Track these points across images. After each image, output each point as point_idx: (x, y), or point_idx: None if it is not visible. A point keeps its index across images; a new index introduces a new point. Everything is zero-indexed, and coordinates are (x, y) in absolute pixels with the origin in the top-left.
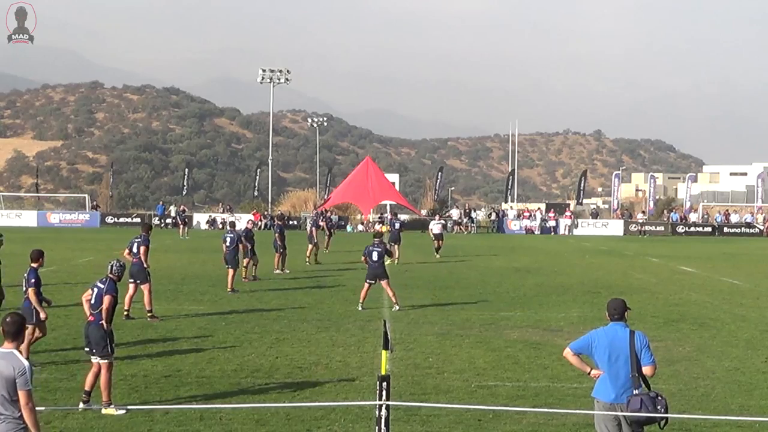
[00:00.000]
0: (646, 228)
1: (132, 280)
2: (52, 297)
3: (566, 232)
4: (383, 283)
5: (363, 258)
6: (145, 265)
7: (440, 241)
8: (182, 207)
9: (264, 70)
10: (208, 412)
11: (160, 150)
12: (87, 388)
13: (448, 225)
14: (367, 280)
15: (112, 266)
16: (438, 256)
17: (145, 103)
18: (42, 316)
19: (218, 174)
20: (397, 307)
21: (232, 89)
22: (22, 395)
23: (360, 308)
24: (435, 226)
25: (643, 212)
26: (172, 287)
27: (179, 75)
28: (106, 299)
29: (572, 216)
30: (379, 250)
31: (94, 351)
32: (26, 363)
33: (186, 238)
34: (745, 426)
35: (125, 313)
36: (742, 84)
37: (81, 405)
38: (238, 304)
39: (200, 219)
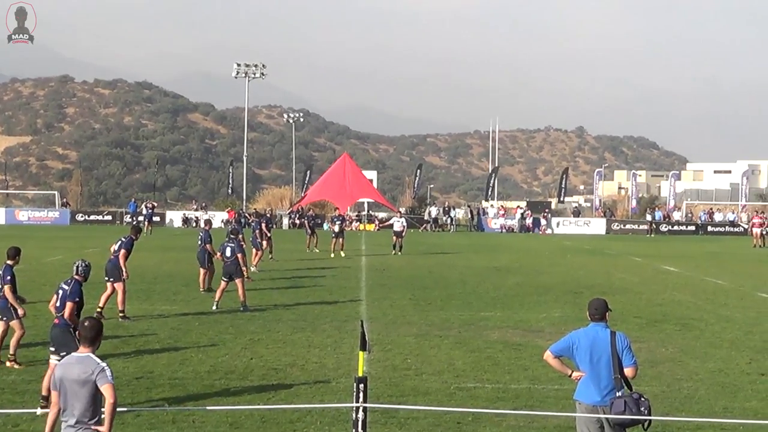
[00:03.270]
0: (629, 227)
1: (107, 278)
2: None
3: (541, 231)
4: (237, 281)
5: (218, 255)
6: (121, 266)
7: (400, 239)
8: (151, 204)
9: (239, 65)
10: (181, 415)
11: (132, 146)
12: (44, 392)
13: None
14: (223, 278)
15: (77, 267)
16: (396, 252)
17: (116, 97)
18: (20, 312)
19: (192, 171)
20: (243, 309)
21: (206, 84)
22: (106, 389)
23: (214, 308)
24: (397, 223)
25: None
26: (144, 287)
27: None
28: (68, 306)
29: (547, 216)
30: (233, 246)
31: (55, 351)
32: (103, 362)
33: (148, 234)
34: (729, 428)
35: (98, 310)
36: (727, 81)
37: (39, 410)
38: (209, 305)
39: (174, 217)
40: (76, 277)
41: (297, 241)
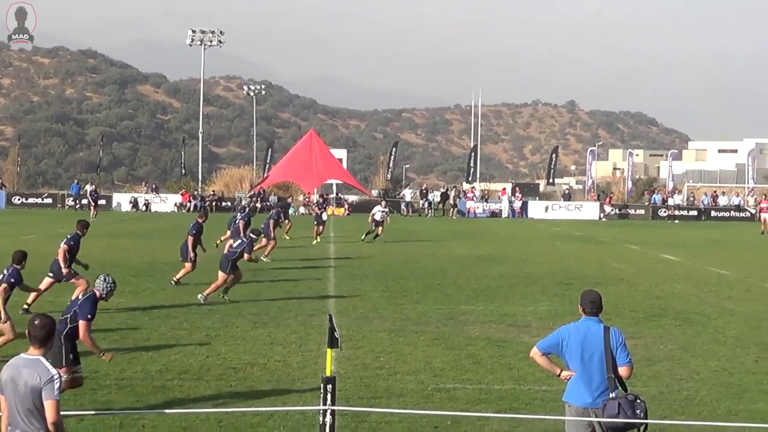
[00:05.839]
0: (614, 213)
1: (51, 273)
2: None
3: (516, 215)
4: (220, 274)
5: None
6: (60, 264)
7: (381, 228)
8: (93, 186)
9: (194, 31)
10: (129, 419)
11: (75, 121)
12: None
13: (402, 207)
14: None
15: (103, 284)
16: (367, 240)
17: (57, 67)
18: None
19: (141, 149)
20: (202, 301)
21: (157, 52)
22: (49, 406)
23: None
24: (378, 213)
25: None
26: (88, 277)
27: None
28: (81, 326)
29: (521, 197)
30: (245, 242)
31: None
32: (54, 371)
33: (93, 219)
34: None
35: (25, 306)
36: (734, 52)
37: None
38: (164, 297)
39: (121, 200)
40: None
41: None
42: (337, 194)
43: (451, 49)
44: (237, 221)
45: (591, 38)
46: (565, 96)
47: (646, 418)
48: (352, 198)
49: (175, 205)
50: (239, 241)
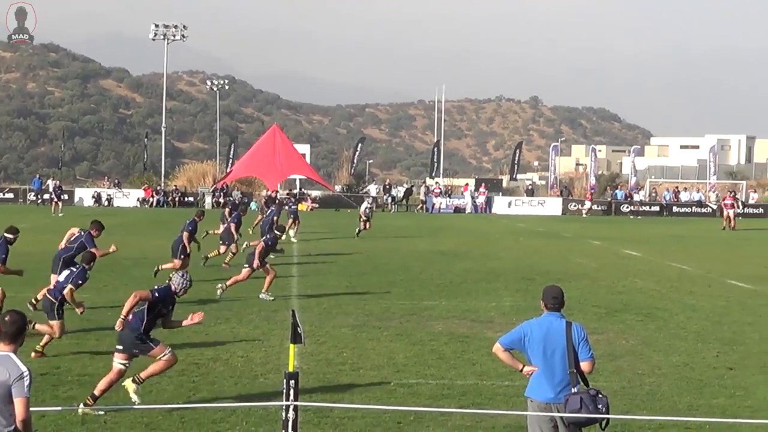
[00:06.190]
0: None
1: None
2: None
3: (479, 211)
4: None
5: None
6: None
7: (368, 223)
8: (57, 182)
9: (157, 26)
10: (91, 415)
11: (37, 116)
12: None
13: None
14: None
15: (178, 282)
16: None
17: (19, 61)
18: None
19: (104, 143)
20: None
21: (120, 47)
22: (18, 404)
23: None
24: (367, 208)
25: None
26: (50, 273)
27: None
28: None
29: (485, 193)
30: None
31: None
32: (25, 368)
33: (60, 215)
34: (694, 427)
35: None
36: (695, 48)
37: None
38: (126, 293)
39: (83, 195)
40: (171, 285)
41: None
42: (300, 189)
43: (414, 45)
44: (228, 222)
45: (555, 34)
46: (528, 92)
47: (608, 413)
48: (315, 193)
49: (138, 200)
50: (265, 236)
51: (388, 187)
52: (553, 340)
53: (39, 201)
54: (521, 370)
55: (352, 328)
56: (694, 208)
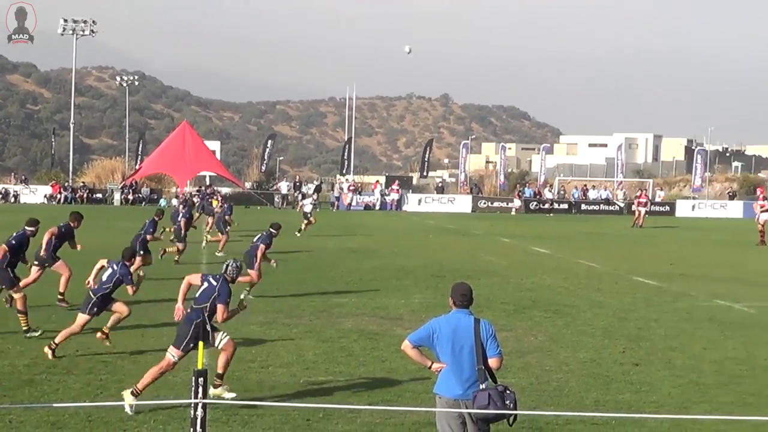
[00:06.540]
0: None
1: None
2: None
3: (389, 208)
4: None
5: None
6: None
7: (312, 219)
8: None
9: (66, 20)
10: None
11: None
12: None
13: (276, 200)
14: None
15: (227, 266)
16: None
17: None
18: None
19: (10, 139)
20: None
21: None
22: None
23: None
24: (307, 205)
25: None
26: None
27: None
28: (220, 309)
29: (399, 190)
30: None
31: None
32: None
33: None
34: (601, 423)
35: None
36: (603, 48)
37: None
38: (31, 291)
39: None
40: (226, 276)
41: (132, 218)
42: (210, 186)
43: (325, 42)
44: (179, 218)
45: (465, 32)
46: (439, 89)
47: (516, 409)
48: (225, 190)
49: (45, 196)
50: (258, 235)
51: (298, 184)
52: (461, 337)
53: None
54: (430, 367)
55: (261, 325)
56: (602, 205)
